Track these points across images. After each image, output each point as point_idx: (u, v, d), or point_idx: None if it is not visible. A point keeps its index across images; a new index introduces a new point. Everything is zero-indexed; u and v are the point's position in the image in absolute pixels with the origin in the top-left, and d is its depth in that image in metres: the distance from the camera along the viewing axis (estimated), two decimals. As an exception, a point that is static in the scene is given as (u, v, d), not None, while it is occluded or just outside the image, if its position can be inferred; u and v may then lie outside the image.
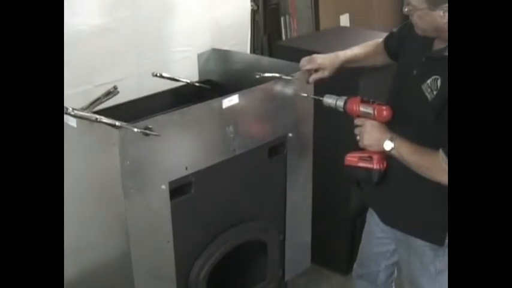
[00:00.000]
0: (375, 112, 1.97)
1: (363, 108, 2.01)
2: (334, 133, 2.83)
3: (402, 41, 2.13)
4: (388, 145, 1.92)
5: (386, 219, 2.16)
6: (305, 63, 2.24)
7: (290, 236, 2.48)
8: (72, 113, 1.75)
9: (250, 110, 2.13)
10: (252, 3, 3.20)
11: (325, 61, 2.23)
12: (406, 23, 2.10)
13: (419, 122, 1.91)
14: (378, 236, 2.27)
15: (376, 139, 1.96)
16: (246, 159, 2.15)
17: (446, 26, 1.74)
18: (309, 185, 2.50)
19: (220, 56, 2.65)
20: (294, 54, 2.63)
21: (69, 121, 1.83)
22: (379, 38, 2.32)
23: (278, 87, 2.22)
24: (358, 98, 2.04)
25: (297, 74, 2.25)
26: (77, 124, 1.83)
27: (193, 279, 2.09)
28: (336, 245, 3.23)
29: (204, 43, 2.72)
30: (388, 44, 2.25)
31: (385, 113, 1.97)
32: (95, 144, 1.87)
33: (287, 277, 2.55)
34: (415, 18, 1.87)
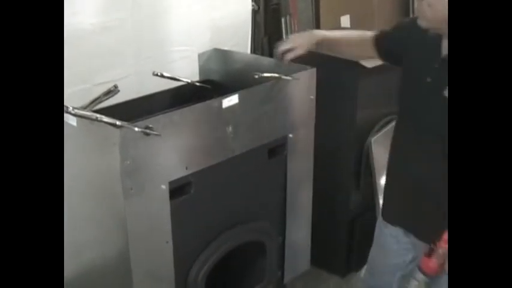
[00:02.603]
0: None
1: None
2: (335, 135, 2.82)
3: (402, 44, 2.05)
4: None
5: (424, 236, 2.04)
6: (280, 44, 2.26)
7: (289, 238, 2.47)
8: (73, 112, 1.74)
9: (250, 110, 2.12)
10: (253, 4, 3.18)
11: (300, 39, 2.24)
12: (401, 24, 2.07)
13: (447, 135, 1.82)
14: (393, 248, 2.20)
15: None
16: (245, 159, 2.15)
17: None
18: (309, 187, 2.49)
19: (220, 55, 2.65)
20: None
21: (69, 120, 1.82)
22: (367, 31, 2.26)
23: (278, 88, 2.21)
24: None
25: (297, 75, 2.24)
26: (77, 123, 1.82)
27: (192, 280, 2.08)
28: (335, 247, 3.22)
29: (204, 43, 2.71)
30: (381, 44, 2.17)
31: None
32: (95, 144, 1.86)
33: (286, 279, 2.54)
34: (424, 7, 1.77)
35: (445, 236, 1.86)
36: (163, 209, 1.90)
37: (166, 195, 1.89)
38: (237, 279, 2.47)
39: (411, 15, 4.70)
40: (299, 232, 2.53)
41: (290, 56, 2.23)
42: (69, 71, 2.14)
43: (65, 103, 1.74)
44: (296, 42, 2.23)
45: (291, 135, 2.31)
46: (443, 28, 1.71)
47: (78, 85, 2.27)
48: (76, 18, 2.22)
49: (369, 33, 2.24)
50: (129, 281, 1.88)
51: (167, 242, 1.95)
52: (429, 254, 1.91)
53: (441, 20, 1.70)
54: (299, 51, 2.23)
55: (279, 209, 2.41)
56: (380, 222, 2.27)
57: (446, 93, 1.77)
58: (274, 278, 2.48)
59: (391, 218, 2.19)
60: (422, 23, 1.81)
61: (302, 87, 2.28)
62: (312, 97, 2.34)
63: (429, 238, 1.97)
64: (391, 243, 2.20)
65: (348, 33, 2.31)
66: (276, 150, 2.30)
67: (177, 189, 1.94)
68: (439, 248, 1.87)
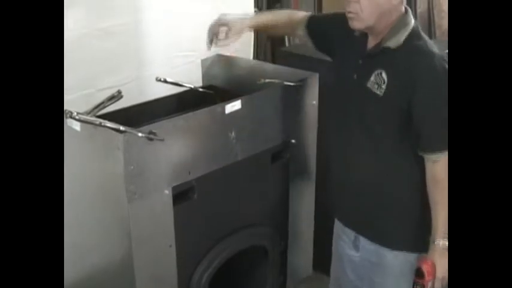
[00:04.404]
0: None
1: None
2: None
3: (335, 38, 2.07)
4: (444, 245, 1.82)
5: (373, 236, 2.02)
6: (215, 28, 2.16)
7: (292, 243, 2.48)
8: (76, 117, 1.75)
9: (253, 115, 2.13)
10: (255, 9, 3.20)
11: (235, 24, 2.15)
12: (335, 17, 2.05)
13: (377, 127, 1.89)
14: (355, 261, 2.14)
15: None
16: (248, 164, 2.15)
17: (395, 7, 1.79)
18: (312, 192, 2.50)
19: (223, 61, 2.65)
20: (296, 60, 2.63)
21: (73, 125, 1.83)
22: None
23: (281, 93, 2.22)
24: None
25: (300, 81, 2.25)
26: (81, 128, 1.83)
27: (194, 285, 2.08)
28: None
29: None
30: (314, 27, 2.16)
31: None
32: (98, 149, 1.87)
33: (289, 284, 2.54)
34: (363, 3, 1.78)
35: (426, 268, 1.83)
36: (166, 213, 1.91)
37: (170, 200, 1.90)
38: (240, 284, 2.47)
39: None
40: (301, 237, 2.54)
41: (223, 43, 2.15)
42: (73, 76, 2.16)
43: (69, 108, 1.75)
44: (231, 23, 2.14)
45: (293, 141, 2.32)
46: (375, 24, 1.81)
47: (82, 90, 2.28)
48: (79, 23, 2.23)
49: (299, 14, 2.23)
50: (132, 285, 1.88)
51: (170, 246, 1.95)
52: None
53: (377, 14, 1.79)
54: (234, 38, 2.15)
55: (282, 213, 2.41)
56: (338, 236, 2.20)
57: (369, 83, 1.84)
58: (276, 282, 2.48)
59: (342, 217, 2.16)
60: (354, 24, 1.84)
61: (304, 93, 2.29)
62: (314, 102, 2.34)
63: (379, 238, 1.97)
64: (350, 256, 2.14)
65: (278, 13, 2.30)
66: (279, 156, 2.31)
67: (180, 194, 1.95)
68: (427, 282, 1.84)
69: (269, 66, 2.64)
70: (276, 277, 2.47)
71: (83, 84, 2.28)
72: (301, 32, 2.18)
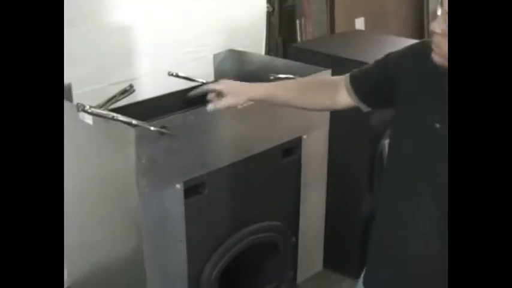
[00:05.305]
0: None
1: None
2: (349, 137, 2.82)
3: (394, 82, 1.58)
4: None
5: None
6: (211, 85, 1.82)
7: (303, 238, 2.47)
8: (89, 111, 1.76)
9: (265, 110, 2.13)
10: (268, 5, 3.20)
11: (237, 88, 1.73)
12: (386, 60, 1.64)
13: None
14: None
15: None
16: (260, 160, 2.15)
17: None
18: (323, 188, 2.50)
19: (235, 56, 2.66)
20: (308, 56, 2.63)
21: (86, 118, 1.84)
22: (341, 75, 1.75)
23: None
24: None
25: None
26: (93, 122, 1.84)
27: (204, 280, 2.09)
28: (347, 249, 3.21)
29: (219, 44, 2.72)
30: (359, 84, 1.68)
31: None
32: (110, 142, 1.88)
33: (299, 279, 2.54)
34: (444, 41, 1.35)
35: None
36: (177, 208, 1.91)
37: (181, 194, 1.90)
38: (250, 278, 2.47)
39: (425, 21, 4.67)
40: (312, 233, 2.54)
41: (221, 103, 1.68)
42: (85, 70, 2.16)
43: (81, 102, 1.76)
44: (231, 89, 1.70)
45: (305, 136, 2.32)
46: None
47: (94, 84, 2.28)
48: (92, 17, 2.24)
49: (333, 78, 1.82)
50: (142, 280, 1.89)
51: (181, 241, 1.96)
52: None
53: None
54: (232, 101, 1.68)
55: (293, 209, 2.41)
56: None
57: None
58: (286, 278, 2.48)
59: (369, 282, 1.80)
60: (436, 58, 1.41)
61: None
62: (326, 98, 2.34)
63: None
64: None
65: (301, 80, 1.89)
66: (290, 151, 2.31)
67: (192, 189, 1.95)
68: None
69: (281, 62, 2.64)
70: (286, 272, 2.47)
71: (95, 78, 2.29)
72: (345, 95, 1.70)
